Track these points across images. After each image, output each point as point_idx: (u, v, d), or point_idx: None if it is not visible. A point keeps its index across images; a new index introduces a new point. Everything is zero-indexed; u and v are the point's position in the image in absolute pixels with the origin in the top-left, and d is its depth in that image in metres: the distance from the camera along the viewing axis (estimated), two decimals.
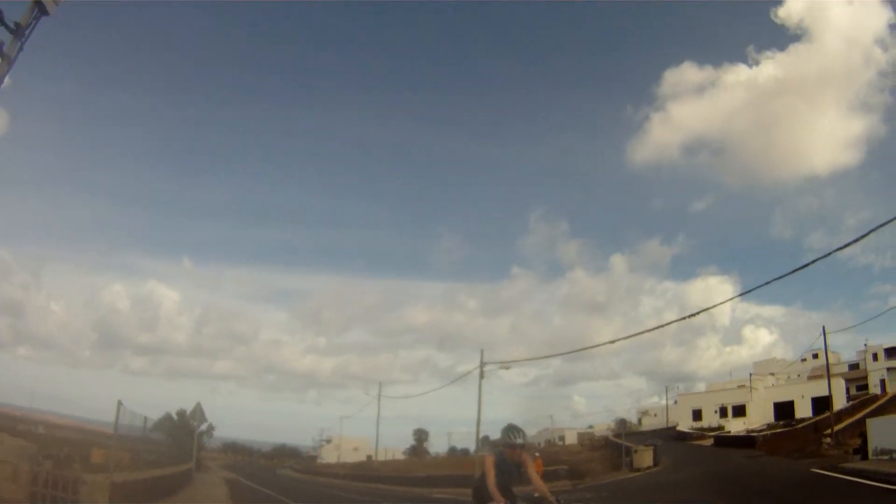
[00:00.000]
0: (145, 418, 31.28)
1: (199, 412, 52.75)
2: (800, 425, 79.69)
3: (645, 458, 64.34)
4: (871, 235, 32.06)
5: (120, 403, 24.68)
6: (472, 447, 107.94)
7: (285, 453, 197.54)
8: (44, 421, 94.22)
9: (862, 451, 47.79)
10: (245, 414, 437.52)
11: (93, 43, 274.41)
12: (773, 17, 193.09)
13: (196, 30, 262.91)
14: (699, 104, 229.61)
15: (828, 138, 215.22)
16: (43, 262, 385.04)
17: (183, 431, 58.82)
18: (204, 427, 70.69)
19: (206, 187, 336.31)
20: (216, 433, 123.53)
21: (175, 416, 71.40)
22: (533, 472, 13.50)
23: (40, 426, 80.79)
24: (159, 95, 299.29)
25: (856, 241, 33.41)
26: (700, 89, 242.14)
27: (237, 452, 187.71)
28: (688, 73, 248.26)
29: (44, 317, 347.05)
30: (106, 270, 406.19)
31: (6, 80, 18.75)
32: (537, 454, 59.31)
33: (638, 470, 61.77)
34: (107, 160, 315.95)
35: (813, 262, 36.29)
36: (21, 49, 18.80)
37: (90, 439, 61.09)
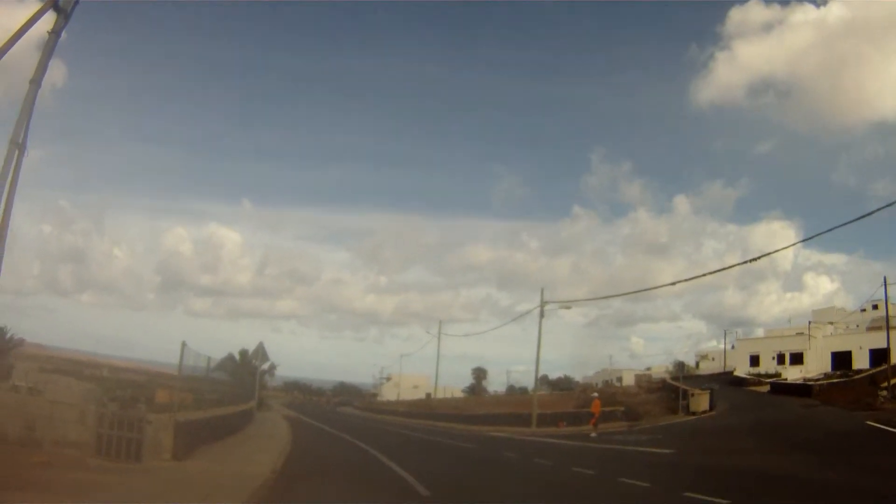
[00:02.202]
0: (209, 358, 31.80)
1: (261, 351, 53.55)
2: (857, 376, 79.10)
3: (701, 402, 64.39)
4: None
5: (184, 344, 25.19)
6: (530, 386, 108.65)
7: (345, 391, 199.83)
8: (109, 364, 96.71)
9: None
10: (306, 353, 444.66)
11: None
12: None
13: None
14: (765, 44, 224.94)
15: None
16: (105, 209, 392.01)
17: (245, 371, 59.87)
18: (266, 366, 71.88)
19: (264, 130, 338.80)
20: (278, 372, 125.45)
21: (237, 356, 72.60)
22: None
23: (105, 369, 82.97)
24: (216, 41, 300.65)
25: None
26: (767, 28, 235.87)
27: (298, 391, 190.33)
28: (754, 11, 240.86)
29: (107, 263, 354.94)
30: (168, 215, 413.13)
31: (63, 33, 19.07)
32: (595, 395, 59.77)
33: (694, 414, 61.91)
34: (165, 107, 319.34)
35: (877, 210, 35.68)
36: (76, 2, 19.07)
37: (154, 380, 62.72)
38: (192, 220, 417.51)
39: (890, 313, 76.23)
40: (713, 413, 61.67)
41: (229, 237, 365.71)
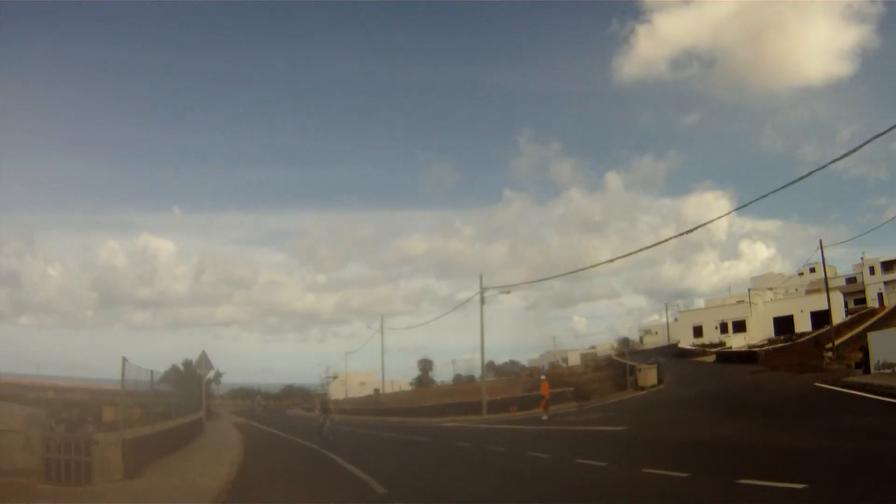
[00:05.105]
0: (151, 372, 31.25)
1: (204, 360, 52.93)
2: (800, 340, 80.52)
3: (649, 376, 64.89)
4: (865, 147, 31.99)
5: (125, 360, 24.71)
6: (477, 374, 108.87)
7: (293, 393, 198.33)
8: (53, 386, 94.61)
9: (864, 364, 48.20)
10: (251, 358, 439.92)
11: None
12: None
13: None
14: (687, 15, 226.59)
15: (820, 49, 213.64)
16: (34, 227, 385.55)
17: (190, 381, 59.12)
18: (211, 375, 70.97)
19: (189, 134, 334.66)
20: (224, 380, 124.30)
21: (181, 367, 71.74)
22: None
23: (50, 392, 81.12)
24: (139, 42, 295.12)
25: (850, 153, 33.56)
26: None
27: (245, 397, 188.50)
28: None
29: (42, 283, 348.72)
30: (98, 228, 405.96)
31: None
32: (543, 377, 59.81)
33: (642, 388, 62.37)
34: (88, 114, 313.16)
35: (807, 175, 36.07)
36: None
37: (100, 399, 61.43)
38: (122, 232, 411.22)
39: (827, 276, 77.56)
40: (662, 386, 62.13)
41: (163, 247, 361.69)
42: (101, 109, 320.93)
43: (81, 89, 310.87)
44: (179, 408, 41.63)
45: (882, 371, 43.14)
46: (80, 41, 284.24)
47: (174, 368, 69.08)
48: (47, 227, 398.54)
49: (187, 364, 69.53)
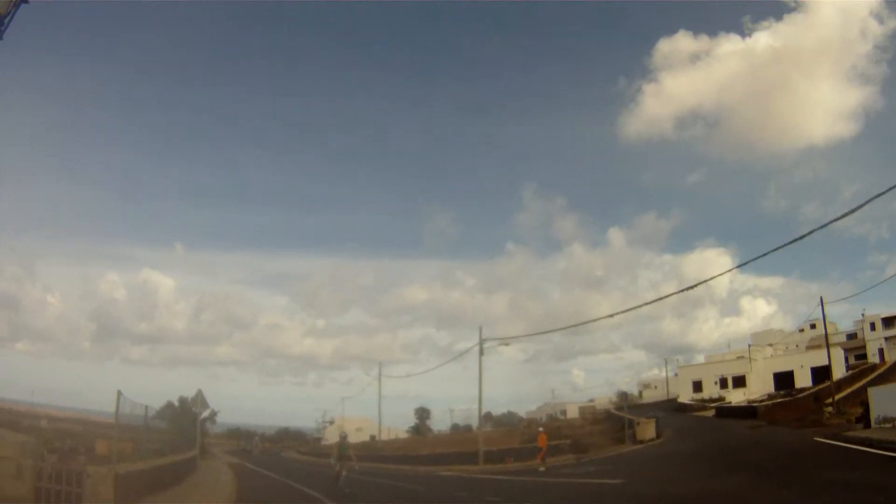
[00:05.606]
0: (146, 407, 31.11)
1: (200, 399, 52.70)
2: (800, 395, 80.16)
3: (647, 430, 64.55)
4: (867, 206, 32.10)
5: (120, 393, 24.57)
6: (474, 424, 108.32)
7: (288, 436, 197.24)
8: (47, 415, 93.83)
9: (864, 419, 47.93)
10: (247, 399, 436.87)
11: (77, 28, 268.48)
12: None
13: (182, 13, 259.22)
14: (693, 75, 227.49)
15: (824, 110, 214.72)
16: (36, 254, 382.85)
17: (185, 419, 58.81)
18: (207, 413, 70.67)
19: (196, 172, 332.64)
20: (219, 419, 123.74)
21: (176, 404, 71.41)
22: None
23: (43, 420, 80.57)
24: (147, 80, 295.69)
25: (852, 211, 33.64)
26: (694, 60, 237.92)
27: (241, 437, 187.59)
28: (682, 43, 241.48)
29: (40, 310, 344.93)
30: (100, 260, 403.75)
31: None
32: (541, 429, 59.53)
33: (641, 442, 62.02)
34: (95, 147, 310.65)
35: (809, 233, 36.34)
36: (0, 38, 18.53)
37: (94, 431, 61.13)
38: (125, 265, 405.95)
39: (828, 332, 77.45)
40: (660, 440, 61.82)
41: (163, 283, 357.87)
42: (112, 143, 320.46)
43: (91, 122, 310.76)
44: (173, 444, 41.35)
45: (882, 426, 42.90)
46: (91, 74, 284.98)
47: (169, 405, 68.81)
48: (49, 255, 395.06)
49: (183, 401, 69.30)
